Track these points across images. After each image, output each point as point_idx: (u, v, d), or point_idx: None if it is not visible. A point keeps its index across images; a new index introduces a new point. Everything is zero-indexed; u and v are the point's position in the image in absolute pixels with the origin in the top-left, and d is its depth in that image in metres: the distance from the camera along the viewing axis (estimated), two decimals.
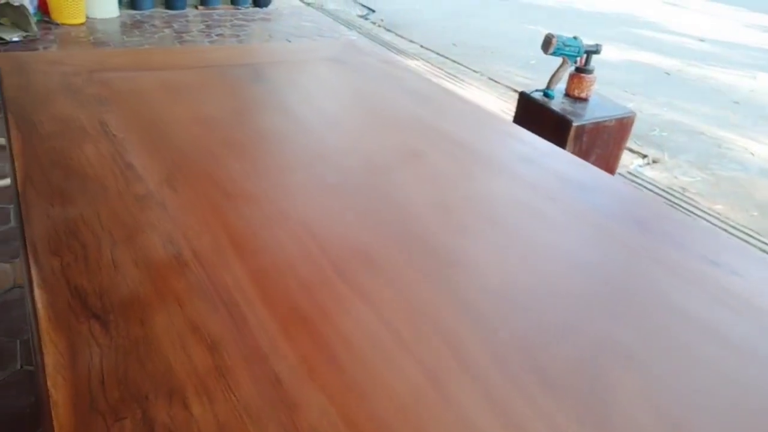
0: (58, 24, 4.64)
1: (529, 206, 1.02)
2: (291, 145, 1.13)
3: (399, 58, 4.83)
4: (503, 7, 7.89)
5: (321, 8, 6.34)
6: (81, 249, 0.76)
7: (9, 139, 1.03)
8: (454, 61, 5.12)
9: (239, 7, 5.76)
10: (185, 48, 1.94)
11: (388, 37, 5.59)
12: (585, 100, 2.48)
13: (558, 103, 2.46)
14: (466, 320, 0.72)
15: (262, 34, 5.13)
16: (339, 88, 1.48)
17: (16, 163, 0.95)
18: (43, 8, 4.70)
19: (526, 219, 0.98)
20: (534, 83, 4.82)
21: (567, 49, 2.37)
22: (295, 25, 5.50)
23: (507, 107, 3.99)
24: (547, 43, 2.35)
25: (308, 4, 6.43)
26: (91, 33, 4.59)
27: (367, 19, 6.38)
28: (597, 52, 2.41)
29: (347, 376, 0.62)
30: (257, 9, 5.81)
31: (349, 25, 5.80)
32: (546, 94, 2.48)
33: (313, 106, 1.34)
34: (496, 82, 4.70)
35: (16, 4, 4.18)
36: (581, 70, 2.46)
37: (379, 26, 6.09)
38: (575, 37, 2.39)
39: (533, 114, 2.49)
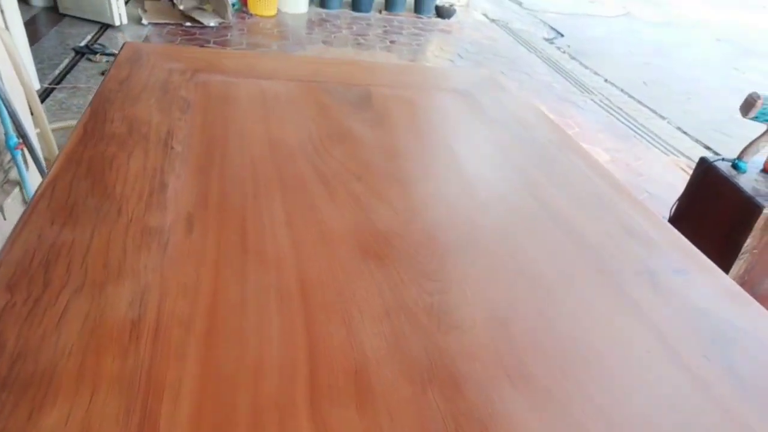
0: (252, 14, 4.98)
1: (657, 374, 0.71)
2: (360, 203, 0.94)
3: (582, 98, 4.41)
4: (715, 47, 6.93)
5: (505, 26, 6.08)
6: (40, 289, 0.65)
7: (72, 134, 0.98)
8: (639, 102, 4.55)
9: (421, 16, 5.73)
10: (304, 58, 1.85)
11: (570, 65, 5.16)
12: None
13: (749, 180, 1.96)
14: None
15: (436, 46, 5.03)
16: (447, 131, 1.26)
17: (54, 166, 0.88)
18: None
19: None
20: (732, 143, 4.10)
21: None
22: (473, 41, 5.31)
23: (685, 166, 3.41)
24: (748, 105, 1.88)
25: (493, 20, 6.21)
26: (277, 26, 4.85)
27: (552, 43, 5.98)
28: None
29: None
30: (438, 20, 5.73)
31: (531, 47, 5.46)
32: (735, 166, 2.00)
33: (410, 152, 1.14)
34: (684, 133, 4.07)
35: None
36: None
37: (564, 52, 5.66)
38: None
39: (712, 188, 2.03)
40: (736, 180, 1.94)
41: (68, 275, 0.67)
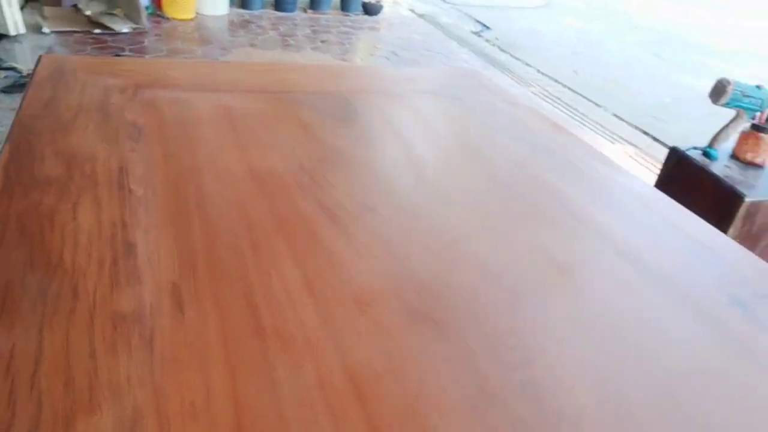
0: (168, 18, 4.60)
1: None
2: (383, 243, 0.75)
3: (522, 90, 4.38)
4: (634, 35, 7.18)
5: (433, 21, 6.00)
6: None
7: None
8: (574, 91, 4.58)
9: (348, 14, 5.54)
10: (262, 64, 1.65)
11: (502, 57, 5.14)
12: (760, 166, 1.94)
13: (721, 168, 1.93)
14: None
15: (368, 44, 4.86)
16: (453, 142, 1.09)
17: None
18: (156, 1, 4.68)
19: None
20: (665, 126, 4.21)
21: (746, 100, 1.84)
22: (404, 37, 5.18)
23: (633, 153, 3.43)
24: (719, 91, 1.84)
25: (420, 16, 6.11)
26: (197, 29, 4.51)
27: (480, 36, 5.96)
28: None
29: None
30: (366, 17, 5.56)
31: (462, 41, 5.41)
32: (707, 154, 1.96)
33: (419, 169, 0.96)
34: (621, 120, 4.13)
35: None
36: (760, 129, 1.91)
37: (494, 45, 5.65)
38: (759, 87, 1.85)
39: (686, 178, 1.98)
40: (711, 169, 1.90)
41: (12, 410, 0.45)
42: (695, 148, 2.00)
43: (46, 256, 0.61)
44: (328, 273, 0.66)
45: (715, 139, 1.96)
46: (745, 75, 5.67)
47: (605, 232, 0.84)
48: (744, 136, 1.96)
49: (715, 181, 1.85)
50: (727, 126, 1.94)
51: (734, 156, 2.00)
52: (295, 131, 1.00)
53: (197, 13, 4.79)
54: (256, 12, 5.19)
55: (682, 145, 2.03)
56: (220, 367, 0.51)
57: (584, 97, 4.49)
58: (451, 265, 0.71)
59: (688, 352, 0.64)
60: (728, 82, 1.82)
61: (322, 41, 4.65)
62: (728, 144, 2.00)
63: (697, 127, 4.20)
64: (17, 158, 0.78)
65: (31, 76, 1.06)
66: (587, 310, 0.68)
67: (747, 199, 1.75)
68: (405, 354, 0.57)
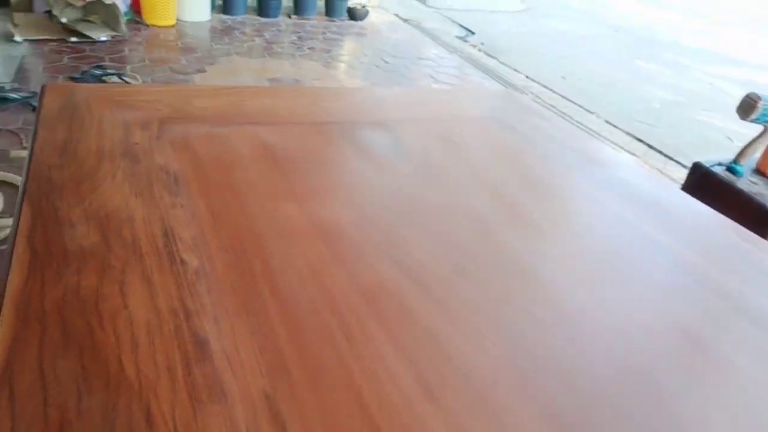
0: (147, 25, 4.41)
1: None
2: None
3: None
4: (615, 38, 7.22)
5: (418, 26, 5.91)
6: None
7: (10, 256, 0.60)
8: (565, 97, 4.54)
9: (334, 19, 5.41)
10: (292, 89, 1.54)
11: (491, 63, 5.08)
12: None
13: (747, 183, 1.87)
14: None
15: (355, 50, 4.74)
16: (525, 177, 0.99)
17: (3, 324, 0.51)
18: (135, 7, 4.49)
19: None
20: (658, 132, 4.20)
21: None
22: (391, 42, 5.08)
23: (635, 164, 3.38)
24: (749, 107, 1.78)
25: (405, 21, 6.02)
26: (179, 37, 4.33)
27: (466, 41, 5.90)
28: None
29: None
30: (352, 22, 5.45)
31: (449, 47, 5.33)
32: (732, 170, 1.90)
33: (496, 216, 0.85)
34: (614, 126, 4.10)
35: (107, 2, 3.96)
36: None
37: (480, 50, 5.59)
38: None
39: (712, 193, 1.92)
40: (738, 186, 1.84)
41: None
42: (720, 164, 1.94)
43: (103, 364, 0.49)
44: (438, 364, 0.55)
45: (741, 154, 1.90)
46: (716, 73, 5.69)
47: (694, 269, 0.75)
48: None
49: (744, 198, 1.79)
50: (754, 140, 1.89)
51: (758, 171, 1.95)
52: (349, 173, 0.88)
53: (178, 20, 4.61)
54: (238, 18, 5.03)
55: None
56: None
57: (575, 103, 4.45)
58: (572, 344, 0.61)
59: None
60: (758, 98, 1.76)
61: (310, 48, 4.52)
62: (754, 159, 1.95)
63: (686, 134, 4.21)
64: (41, 224, 0.65)
65: (37, 111, 0.92)
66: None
67: None
68: None
